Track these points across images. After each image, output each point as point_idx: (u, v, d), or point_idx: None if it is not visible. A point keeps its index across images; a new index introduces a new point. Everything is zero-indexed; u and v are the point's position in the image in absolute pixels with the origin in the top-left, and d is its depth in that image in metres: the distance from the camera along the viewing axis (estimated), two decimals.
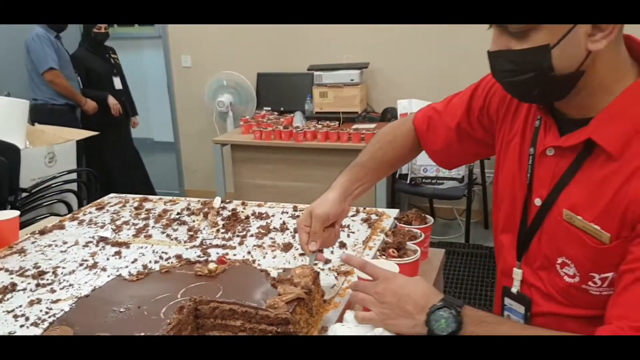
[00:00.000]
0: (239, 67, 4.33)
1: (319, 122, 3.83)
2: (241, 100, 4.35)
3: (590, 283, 0.92)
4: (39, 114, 3.71)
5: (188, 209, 1.67)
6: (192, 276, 1.11)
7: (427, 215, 1.35)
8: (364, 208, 1.61)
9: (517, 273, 1.04)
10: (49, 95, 3.75)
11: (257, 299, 1.01)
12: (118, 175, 4.22)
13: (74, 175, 2.72)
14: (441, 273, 1.39)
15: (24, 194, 2.47)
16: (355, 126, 3.79)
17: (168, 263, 1.30)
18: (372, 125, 3.80)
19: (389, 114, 4.05)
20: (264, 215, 1.59)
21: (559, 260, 0.95)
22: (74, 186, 2.71)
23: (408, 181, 3.75)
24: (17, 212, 1.50)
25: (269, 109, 4.26)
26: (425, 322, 0.88)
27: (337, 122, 3.84)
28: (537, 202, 0.98)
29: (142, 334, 0.92)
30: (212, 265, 1.11)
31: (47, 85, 3.72)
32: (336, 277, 1.23)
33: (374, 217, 1.55)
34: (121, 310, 1.00)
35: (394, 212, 1.55)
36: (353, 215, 1.57)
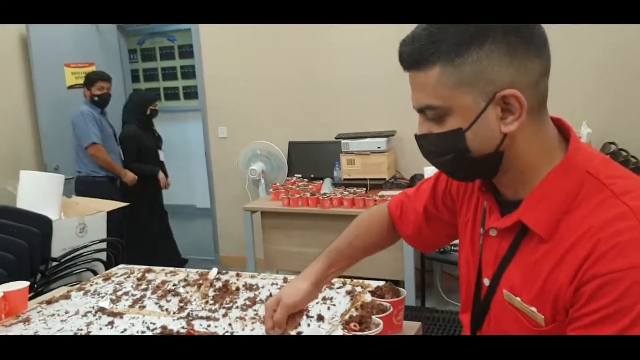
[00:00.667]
0: (272, 137, 4.51)
1: (347, 189, 3.91)
2: (273, 168, 4.50)
3: None
4: (82, 186, 3.97)
5: (185, 279, 1.76)
6: None
7: (401, 289, 1.39)
8: (351, 280, 1.66)
9: None
10: (91, 168, 4.02)
11: None
12: (152, 241, 4.41)
13: (103, 245, 2.87)
14: None
15: (55, 263, 2.63)
16: (381, 193, 3.84)
17: (153, 334, 1.38)
18: (399, 192, 3.84)
19: (417, 180, 4.09)
20: (254, 287, 1.66)
21: None
22: (103, 255, 2.86)
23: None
24: (26, 283, 1.63)
25: (300, 175, 4.38)
26: None
27: (365, 189, 3.91)
28: (486, 282, 1.00)
29: None
30: None
31: (89, 159, 3.99)
32: None
33: (358, 289, 1.60)
34: None
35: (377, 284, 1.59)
36: (339, 287, 1.62)
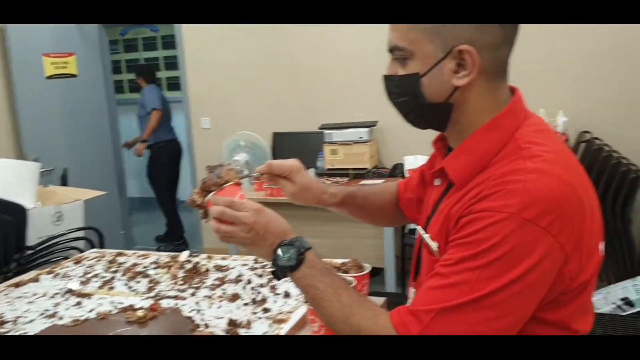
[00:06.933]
0: (256, 128, 4.49)
1: (330, 179, 3.92)
2: (257, 159, 4.48)
3: None
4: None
5: (156, 262, 1.75)
6: (123, 322, 1.18)
7: (365, 265, 1.40)
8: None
9: (412, 292, 1.13)
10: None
11: None
12: None
13: (81, 233, 2.86)
14: None
15: (30, 252, 2.61)
16: (363, 182, 3.86)
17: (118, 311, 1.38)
18: (381, 181, 3.86)
19: (398, 170, 4.11)
20: (224, 268, 1.66)
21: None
22: (81, 244, 2.84)
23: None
24: None
25: None
26: (274, 251, 0.99)
27: (347, 178, 3.92)
28: (420, 230, 1.06)
29: None
30: (140, 313, 1.18)
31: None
32: (270, 325, 1.28)
33: None
34: None
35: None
36: None
